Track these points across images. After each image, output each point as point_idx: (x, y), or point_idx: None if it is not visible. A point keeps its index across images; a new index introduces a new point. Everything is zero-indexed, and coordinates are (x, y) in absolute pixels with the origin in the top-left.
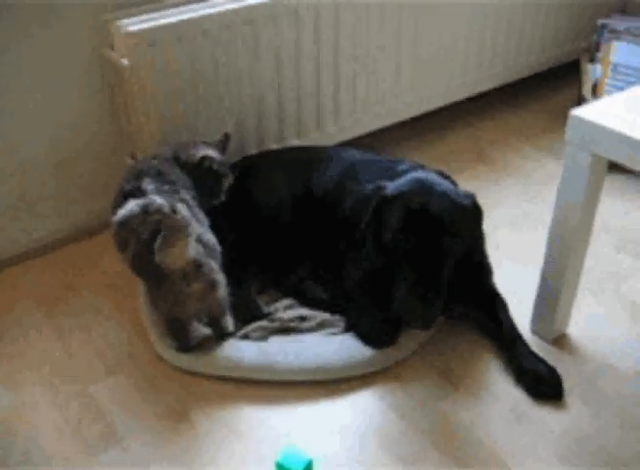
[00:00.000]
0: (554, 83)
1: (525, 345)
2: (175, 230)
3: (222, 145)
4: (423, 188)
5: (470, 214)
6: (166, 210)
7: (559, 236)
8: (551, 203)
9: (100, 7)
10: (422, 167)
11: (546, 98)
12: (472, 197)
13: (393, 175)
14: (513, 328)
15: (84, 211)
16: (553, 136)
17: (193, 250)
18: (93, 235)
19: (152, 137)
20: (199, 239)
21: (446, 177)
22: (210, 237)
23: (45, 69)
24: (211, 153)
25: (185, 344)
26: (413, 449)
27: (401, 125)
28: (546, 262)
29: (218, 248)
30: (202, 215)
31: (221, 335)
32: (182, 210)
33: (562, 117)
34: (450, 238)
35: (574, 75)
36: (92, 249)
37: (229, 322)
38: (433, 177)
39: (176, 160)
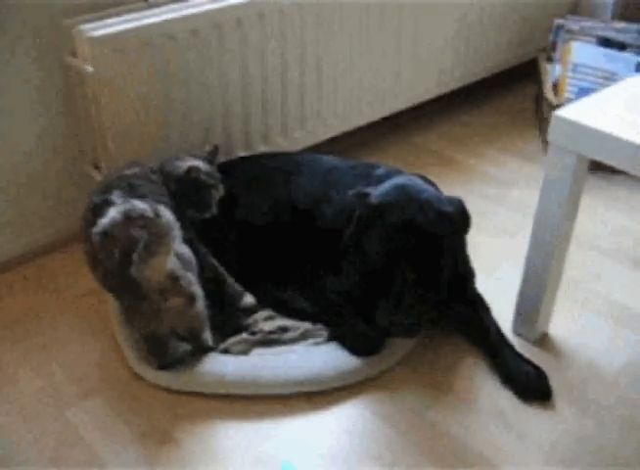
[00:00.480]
0: (509, 84)
1: (510, 346)
2: (160, 236)
3: (211, 156)
4: (408, 197)
5: (456, 222)
6: (150, 214)
7: (542, 235)
8: (517, 202)
9: (59, 11)
10: (399, 172)
11: (502, 99)
12: (457, 202)
13: (372, 181)
14: (498, 330)
15: (48, 227)
16: (512, 136)
17: (170, 262)
18: (58, 252)
19: (117, 147)
20: (174, 252)
21: (428, 181)
22: (185, 250)
23: None
24: (198, 164)
25: (164, 361)
26: (403, 458)
27: (363, 129)
28: (529, 262)
29: (194, 260)
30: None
31: (201, 350)
32: (166, 213)
33: (519, 118)
34: (438, 250)
35: (528, 76)
36: (59, 265)
37: (208, 336)
38: (416, 183)
39: (161, 172)
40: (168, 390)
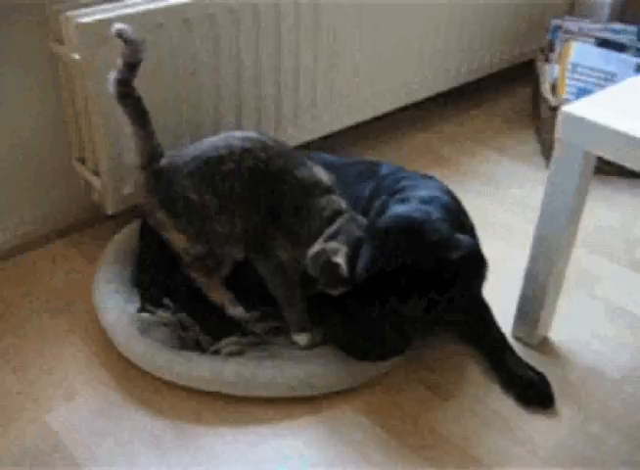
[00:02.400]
0: (505, 85)
1: (512, 351)
2: None
3: None
4: (410, 236)
5: (460, 270)
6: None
7: (545, 236)
8: (513, 203)
9: None
10: (402, 169)
11: (498, 99)
12: (468, 247)
13: (377, 180)
14: (500, 334)
15: (26, 223)
16: (508, 137)
17: None
18: (37, 249)
19: (103, 139)
20: None
21: (446, 192)
22: None
23: None
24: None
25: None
26: (401, 465)
27: (357, 127)
28: (530, 264)
29: None
30: None
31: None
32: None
33: (515, 118)
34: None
35: (524, 77)
36: (38, 262)
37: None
38: (425, 220)
39: None
40: (155, 391)
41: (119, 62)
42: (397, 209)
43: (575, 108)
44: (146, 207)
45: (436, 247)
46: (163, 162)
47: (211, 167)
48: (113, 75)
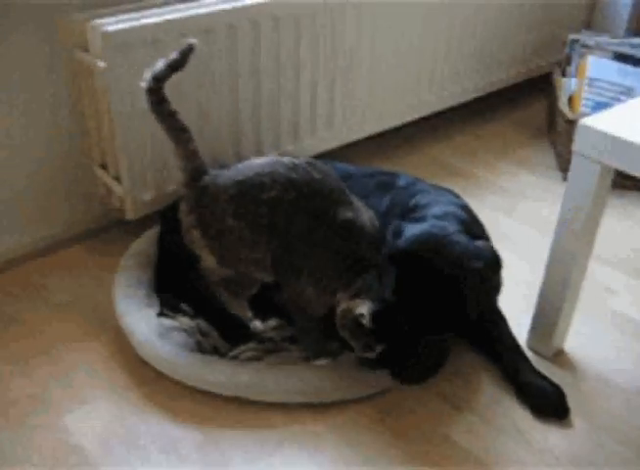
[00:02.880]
0: (522, 98)
1: (527, 362)
2: None
3: None
4: (435, 252)
5: (485, 277)
6: None
7: (562, 246)
8: (528, 216)
9: (71, 6)
10: (420, 181)
11: (515, 113)
12: (487, 254)
13: (395, 191)
14: (515, 344)
15: (44, 228)
16: (524, 150)
17: None
18: (54, 253)
19: (126, 145)
20: None
21: (463, 207)
22: None
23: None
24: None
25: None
26: None
27: (371, 139)
28: (547, 276)
29: None
30: None
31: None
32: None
33: (531, 131)
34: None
35: (541, 90)
36: (55, 266)
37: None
38: (446, 233)
39: None
40: (172, 395)
41: (162, 61)
42: (413, 229)
43: (593, 120)
44: (184, 222)
45: (460, 258)
46: (206, 180)
47: (252, 194)
48: (147, 73)
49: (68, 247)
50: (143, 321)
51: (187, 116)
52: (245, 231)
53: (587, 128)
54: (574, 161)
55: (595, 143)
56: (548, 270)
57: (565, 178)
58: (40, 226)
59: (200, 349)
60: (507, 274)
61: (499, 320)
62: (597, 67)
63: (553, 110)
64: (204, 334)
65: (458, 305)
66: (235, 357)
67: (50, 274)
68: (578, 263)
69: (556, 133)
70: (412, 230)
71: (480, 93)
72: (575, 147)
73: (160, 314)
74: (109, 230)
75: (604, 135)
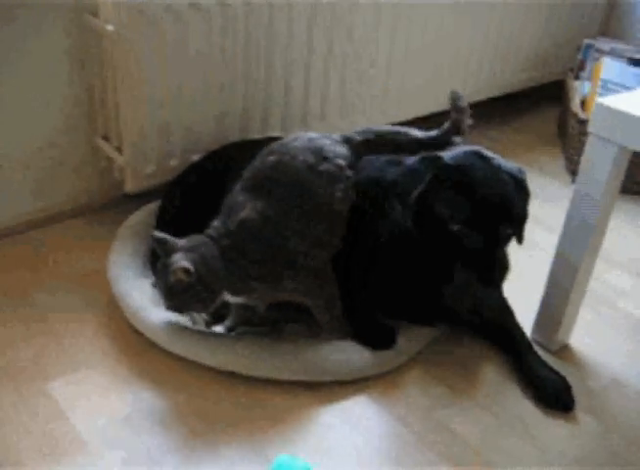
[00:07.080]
0: (536, 103)
1: (535, 353)
2: None
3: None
4: (488, 170)
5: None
6: None
7: (574, 232)
8: (536, 216)
9: None
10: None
11: (529, 117)
12: (524, 173)
13: (404, 168)
14: (522, 335)
15: (45, 199)
16: (534, 153)
17: None
18: (53, 225)
19: (130, 115)
20: None
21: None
22: None
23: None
24: None
25: None
26: (415, 458)
27: None
28: (553, 270)
29: None
30: None
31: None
32: None
33: (544, 135)
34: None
35: (554, 97)
36: (55, 237)
37: None
38: (487, 153)
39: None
40: (159, 366)
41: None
42: (453, 152)
43: (610, 100)
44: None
45: (509, 170)
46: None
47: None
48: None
49: (68, 219)
50: (137, 290)
51: (194, 84)
52: None
53: (605, 108)
54: (589, 143)
55: (611, 123)
56: (554, 264)
57: (574, 181)
58: (41, 197)
59: (193, 320)
60: (514, 272)
61: (506, 310)
62: (610, 69)
63: (565, 113)
64: None
65: (523, 203)
66: (231, 330)
67: (48, 245)
68: (585, 260)
69: (567, 137)
70: (452, 153)
71: (494, 94)
72: (591, 128)
73: (155, 285)
74: (109, 206)
75: (622, 115)
